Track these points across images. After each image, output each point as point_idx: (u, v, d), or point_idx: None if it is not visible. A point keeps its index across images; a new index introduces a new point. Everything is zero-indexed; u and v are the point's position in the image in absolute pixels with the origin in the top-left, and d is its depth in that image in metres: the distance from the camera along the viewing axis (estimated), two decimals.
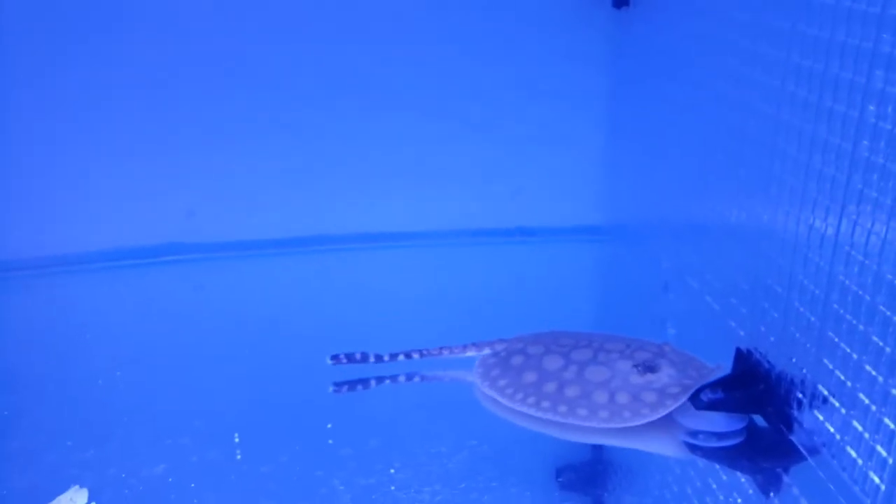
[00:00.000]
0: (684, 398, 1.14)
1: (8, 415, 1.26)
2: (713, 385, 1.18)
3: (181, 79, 1.69)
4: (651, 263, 1.70)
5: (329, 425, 1.21)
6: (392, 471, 1.10)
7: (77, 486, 1.05)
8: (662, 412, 1.13)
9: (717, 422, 1.16)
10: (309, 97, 1.75)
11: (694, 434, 1.15)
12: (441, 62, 1.77)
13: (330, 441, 1.18)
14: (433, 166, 1.84)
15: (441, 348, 1.35)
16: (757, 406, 1.16)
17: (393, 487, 1.07)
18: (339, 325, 1.54)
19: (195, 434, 1.19)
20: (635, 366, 1.20)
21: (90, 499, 1.04)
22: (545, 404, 1.17)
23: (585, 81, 1.82)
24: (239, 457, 1.15)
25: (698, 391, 1.15)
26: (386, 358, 1.34)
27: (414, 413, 1.26)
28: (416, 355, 1.34)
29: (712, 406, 1.16)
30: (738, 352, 1.22)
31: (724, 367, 1.22)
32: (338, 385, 1.31)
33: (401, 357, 1.34)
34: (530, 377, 1.23)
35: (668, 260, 1.62)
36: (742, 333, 1.25)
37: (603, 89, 1.83)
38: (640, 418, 1.13)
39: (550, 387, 1.20)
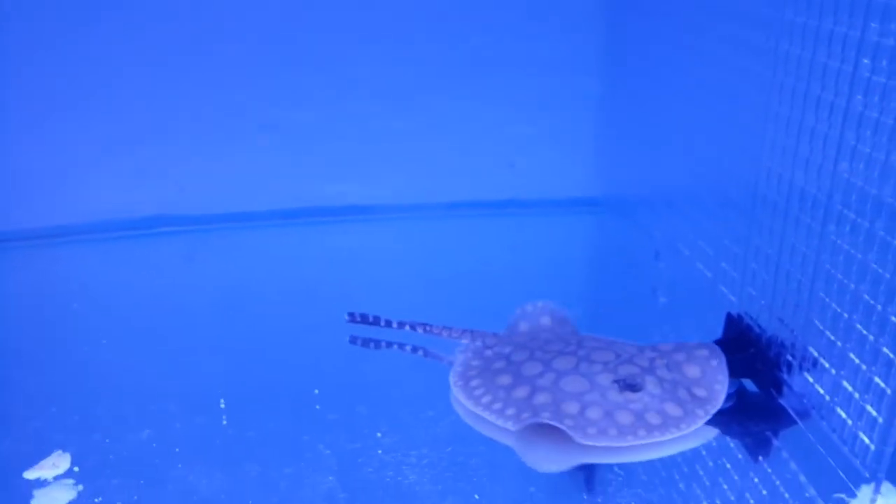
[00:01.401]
0: (661, 435, 1.00)
1: None
2: None
3: (173, 54, 1.65)
4: (643, 234, 1.68)
5: (316, 391, 1.19)
6: (379, 435, 1.08)
7: (60, 451, 1.03)
8: (630, 441, 1.00)
9: None
10: (301, 70, 1.71)
11: None
12: (433, 35, 1.73)
13: (317, 407, 1.16)
14: (427, 138, 1.81)
15: (443, 328, 1.29)
16: (747, 370, 1.14)
17: (380, 451, 1.05)
18: (330, 296, 1.51)
19: (181, 401, 1.17)
20: (616, 381, 1.07)
21: (74, 464, 1.02)
22: (510, 412, 1.06)
23: (578, 54, 1.78)
24: (225, 422, 1.13)
25: None
26: (394, 325, 1.31)
27: (402, 380, 1.24)
28: (420, 329, 1.30)
29: None
30: (729, 316, 1.20)
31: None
32: (353, 339, 1.33)
33: (406, 327, 1.31)
34: (504, 380, 1.13)
35: (660, 229, 1.59)
36: (733, 299, 1.23)
37: (596, 63, 1.79)
38: (604, 438, 1.00)
39: (521, 392, 1.10)
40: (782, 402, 1.07)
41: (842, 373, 0.94)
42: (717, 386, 1.07)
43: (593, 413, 1.03)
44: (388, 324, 1.31)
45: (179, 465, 1.04)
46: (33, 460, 1.02)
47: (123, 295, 1.54)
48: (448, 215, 1.88)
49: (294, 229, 1.82)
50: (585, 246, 1.87)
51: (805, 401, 1.02)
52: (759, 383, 1.13)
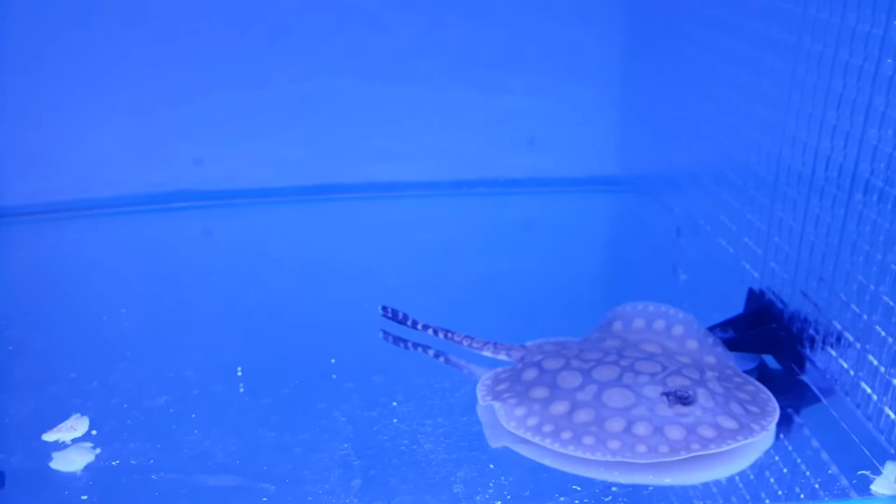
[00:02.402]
0: (717, 448, 0.89)
1: (13, 349, 1.22)
2: (724, 324, 1.11)
3: (189, 26, 1.63)
4: (664, 211, 1.63)
5: (333, 360, 1.16)
6: (394, 404, 1.05)
7: (78, 415, 1.01)
8: (683, 455, 0.88)
9: None
10: (321, 45, 1.68)
11: None
12: (455, 12, 1.69)
13: (333, 376, 1.13)
14: (447, 116, 1.77)
15: (465, 337, 1.16)
16: (768, 346, 1.09)
17: (395, 420, 1.02)
18: (348, 271, 1.49)
19: (199, 368, 1.15)
20: (665, 394, 0.95)
21: (92, 427, 1.00)
22: (548, 429, 0.94)
23: (600, 33, 1.74)
24: (241, 390, 1.10)
25: (709, 330, 1.09)
26: (419, 327, 1.20)
27: (418, 350, 1.21)
28: (441, 334, 1.18)
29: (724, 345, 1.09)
30: (751, 292, 1.15)
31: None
32: (386, 335, 1.24)
33: (430, 331, 1.19)
34: (540, 393, 1.00)
35: (681, 206, 1.54)
36: (755, 274, 1.18)
37: (618, 41, 1.74)
38: (655, 456, 0.89)
39: (560, 408, 0.97)
40: (804, 378, 1.03)
41: (867, 346, 0.89)
42: (769, 405, 0.96)
43: (641, 429, 0.92)
44: (415, 325, 1.21)
45: (196, 431, 1.01)
46: (52, 423, 1.00)
47: (141, 268, 1.52)
48: (468, 193, 1.84)
49: (312, 205, 1.79)
50: (606, 224, 1.82)
51: (828, 376, 0.98)
52: (781, 359, 1.08)
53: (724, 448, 0.88)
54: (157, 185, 1.75)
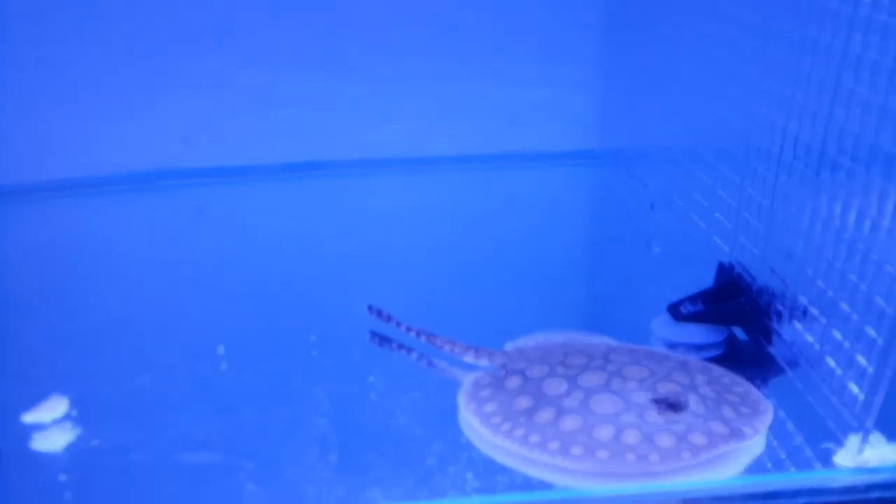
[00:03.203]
0: (707, 454, 0.83)
1: None
2: (693, 297, 1.10)
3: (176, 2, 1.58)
4: (639, 185, 1.61)
5: (313, 337, 1.14)
6: (371, 379, 1.04)
7: (57, 395, 0.99)
8: (674, 464, 0.83)
9: (696, 334, 1.08)
10: (309, 22, 1.64)
11: (672, 346, 1.07)
12: None
13: (313, 353, 1.11)
14: (426, 93, 1.73)
15: (447, 341, 1.08)
16: (737, 319, 1.08)
17: (372, 395, 1.01)
18: (332, 249, 1.46)
19: (181, 347, 1.13)
20: (655, 400, 0.90)
21: (72, 408, 0.97)
22: (534, 439, 0.87)
23: (578, 11, 1.70)
24: (223, 368, 1.08)
25: (678, 303, 1.07)
26: (403, 328, 1.13)
27: (395, 327, 1.19)
28: (423, 337, 1.10)
29: (692, 318, 1.08)
30: (721, 265, 1.13)
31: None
32: (373, 335, 1.15)
33: (412, 333, 1.12)
34: (523, 403, 0.93)
35: (656, 181, 1.52)
36: (726, 249, 1.17)
37: (595, 19, 1.71)
38: (645, 465, 0.83)
39: (545, 416, 0.90)
40: (771, 350, 1.02)
41: (832, 321, 0.88)
42: (762, 405, 0.91)
43: (630, 437, 0.86)
44: (399, 324, 1.14)
45: (177, 409, 0.99)
46: (33, 405, 0.98)
47: (125, 248, 1.49)
48: (446, 169, 1.81)
49: (299, 182, 1.76)
50: (583, 198, 1.80)
51: (794, 349, 0.96)
52: (749, 332, 1.07)
53: (715, 453, 0.83)
54: (143, 163, 1.70)
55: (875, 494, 0.81)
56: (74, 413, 0.97)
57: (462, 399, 0.97)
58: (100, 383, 1.04)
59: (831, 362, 0.88)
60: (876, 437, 0.82)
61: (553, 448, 0.85)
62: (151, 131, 1.67)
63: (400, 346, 1.12)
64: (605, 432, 0.86)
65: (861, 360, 0.82)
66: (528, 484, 0.85)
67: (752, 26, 1.04)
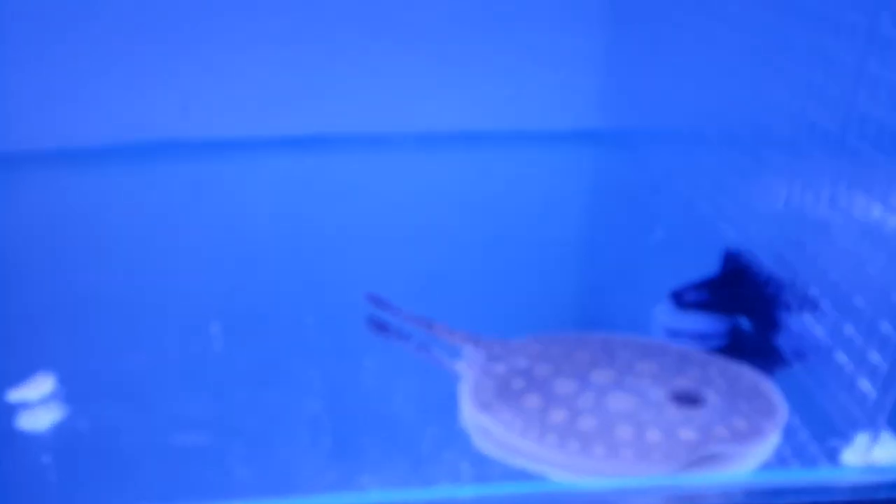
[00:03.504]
0: (733, 449, 0.80)
1: None
2: (699, 285, 1.06)
3: None
4: (644, 167, 1.57)
5: (309, 318, 1.10)
6: (367, 363, 1.00)
7: (43, 372, 0.95)
8: (702, 462, 0.79)
9: (699, 323, 1.04)
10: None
11: (675, 334, 1.03)
12: None
13: (309, 333, 1.08)
14: (429, 69, 1.69)
15: (446, 330, 1.02)
16: (743, 308, 1.04)
17: (367, 379, 0.97)
18: (330, 226, 1.42)
19: (175, 326, 1.09)
20: (675, 397, 0.85)
21: (60, 385, 0.94)
22: (551, 439, 0.83)
23: None
24: (216, 348, 1.05)
25: (682, 290, 1.03)
26: (402, 315, 1.07)
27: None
28: (423, 326, 1.04)
29: (697, 306, 1.04)
30: (727, 252, 1.09)
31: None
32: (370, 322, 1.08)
33: (412, 321, 1.06)
34: (533, 401, 0.88)
35: (661, 163, 1.48)
36: (733, 235, 1.13)
37: None
38: (671, 463, 0.78)
39: (559, 415, 0.86)
40: (778, 342, 0.98)
41: (844, 315, 0.84)
42: (775, 397, 0.87)
43: (653, 435, 0.81)
44: (398, 312, 1.08)
45: (167, 389, 0.96)
46: (20, 382, 0.94)
47: (121, 220, 1.44)
48: (449, 146, 1.76)
49: (296, 156, 1.71)
50: (586, 179, 1.75)
51: (802, 342, 0.93)
52: (755, 322, 1.03)
53: (740, 448, 0.79)
54: (139, 133, 1.66)
55: (883, 495, 0.77)
56: (62, 391, 0.93)
57: (467, 401, 0.90)
58: (89, 360, 1.00)
59: (842, 357, 0.84)
60: (886, 436, 0.79)
61: (573, 448, 0.80)
62: (151, 100, 1.62)
63: (398, 333, 1.07)
64: (625, 432, 0.81)
65: (874, 355, 0.79)
66: (524, 475, 0.82)
67: (765, 2, 0.99)
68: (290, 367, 1.00)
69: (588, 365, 0.92)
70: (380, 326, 1.07)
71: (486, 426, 0.86)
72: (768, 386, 0.89)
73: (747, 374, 0.91)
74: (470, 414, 0.88)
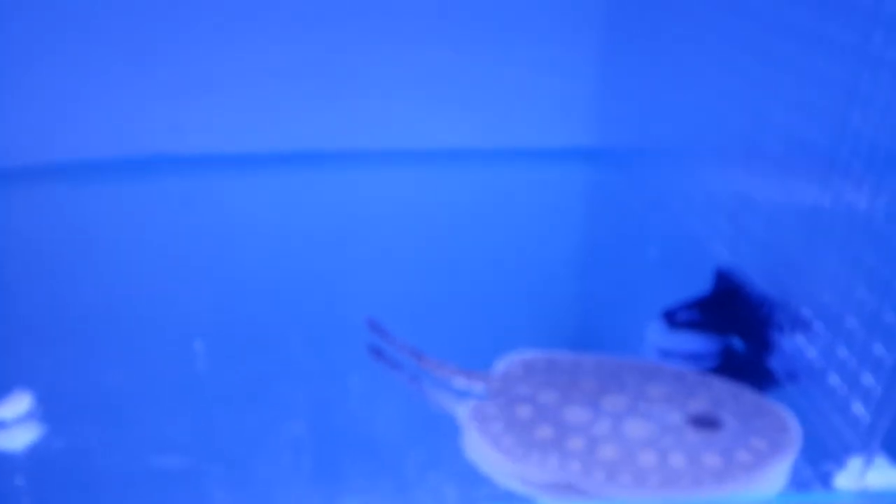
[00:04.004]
0: (759, 472, 0.78)
1: None
2: (690, 304, 1.04)
3: None
4: (637, 186, 1.55)
5: (295, 338, 1.08)
6: (351, 384, 0.98)
7: (20, 391, 0.92)
8: (731, 484, 0.77)
9: (692, 342, 1.01)
10: (302, 10, 1.57)
11: (667, 354, 1.01)
12: None
13: (292, 353, 1.05)
14: (422, 86, 1.66)
15: (437, 362, 0.97)
16: (735, 328, 1.02)
17: (351, 400, 0.95)
18: (320, 243, 1.39)
19: (159, 344, 1.07)
20: (692, 420, 0.83)
21: (40, 404, 0.91)
22: (575, 467, 0.79)
23: (579, 5, 1.63)
24: (200, 367, 1.02)
25: (674, 310, 1.01)
26: (395, 343, 1.02)
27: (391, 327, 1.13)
28: (414, 357, 0.99)
29: (688, 326, 1.02)
30: (719, 271, 1.07)
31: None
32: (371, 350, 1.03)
33: (405, 351, 1.00)
34: (545, 433, 0.84)
35: (655, 181, 1.46)
36: (725, 254, 1.10)
37: (595, 11, 1.64)
38: (699, 488, 0.76)
39: (577, 443, 0.82)
40: (771, 363, 0.95)
41: (837, 336, 0.82)
42: (785, 415, 0.86)
43: (676, 460, 0.79)
44: (392, 341, 1.03)
45: (147, 409, 0.93)
46: None
47: (109, 237, 1.42)
48: (438, 162, 1.73)
49: (288, 173, 1.68)
50: (578, 197, 1.73)
51: (795, 363, 0.90)
52: (748, 342, 1.01)
53: (765, 470, 0.78)
54: (129, 149, 1.64)
55: None
56: (41, 411, 0.91)
57: (471, 434, 0.86)
58: (69, 379, 0.98)
59: (835, 379, 0.82)
60: (881, 461, 0.76)
61: (599, 478, 0.78)
62: (140, 115, 1.60)
63: (392, 362, 1.01)
64: (648, 459, 0.79)
65: (867, 378, 0.76)
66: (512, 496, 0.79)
67: (760, 20, 0.97)
68: (274, 389, 0.97)
69: (597, 392, 0.89)
70: (377, 353, 1.03)
71: (497, 460, 0.82)
72: (775, 406, 0.87)
73: (747, 394, 0.89)
74: (477, 449, 0.84)
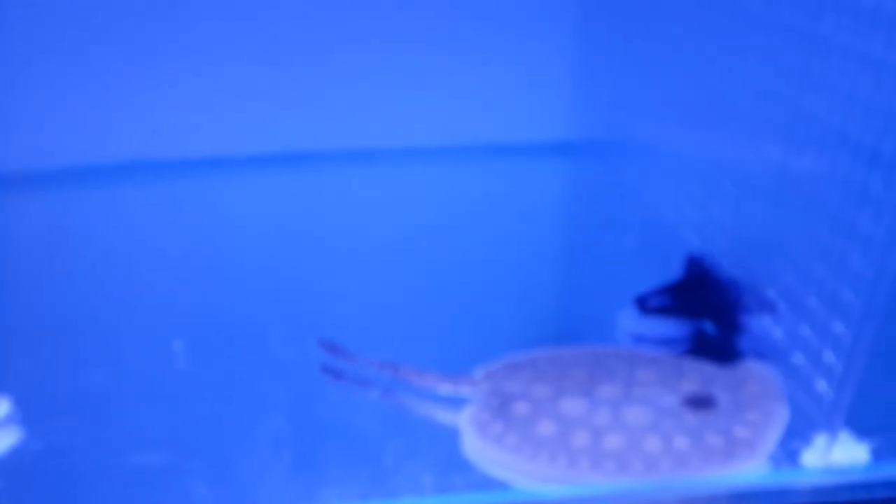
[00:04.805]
0: (762, 446, 0.80)
1: None
2: (661, 291, 1.05)
3: None
4: (612, 177, 1.56)
5: (275, 336, 1.08)
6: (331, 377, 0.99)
7: None
8: (737, 464, 0.78)
9: (663, 327, 1.03)
10: (279, 10, 1.57)
11: (640, 339, 1.02)
12: None
13: (273, 349, 1.06)
14: (398, 83, 1.67)
15: (414, 371, 0.96)
16: (705, 312, 1.03)
17: (331, 392, 0.96)
18: (300, 244, 1.39)
19: (138, 345, 1.07)
20: (689, 401, 0.84)
21: (16, 407, 0.92)
22: (584, 463, 0.80)
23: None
24: (179, 364, 1.03)
25: (645, 296, 1.03)
26: (361, 361, 0.99)
27: (361, 324, 1.13)
28: (389, 370, 0.97)
29: (660, 311, 1.03)
30: (689, 258, 1.09)
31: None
32: (326, 371, 0.99)
33: (376, 366, 0.97)
34: (547, 428, 0.84)
35: (630, 172, 1.47)
36: (696, 241, 1.12)
37: (572, 7, 1.64)
38: (709, 468, 0.78)
39: (581, 438, 0.83)
40: (740, 345, 0.97)
41: (800, 316, 0.83)
42: (771, 380, 0.88)
43: (681, 443, 0.80)
44: (354, 358, 0.99)
45: (128, 408, 0.94)
46: None
47: (87, 241, 1.41)
48: (416, 161, 1.74)
49: (268, 175, 1.68)
50: (554, 190, 1.74)
51: (763, 344, 0.92)
52: (718, 326, 1.02)
53: (767, 443, 0.80)
54: (110, 154, 1.64)
55: (844, 496, 0.77)
56: (19, 413, 0.91)
57: (472, 437, 0.85)
58: (48, 380, 0.98)
59: (799, 358, 0.84)
60: (845, 436, 0.78)
61: (610, 469, 0.78)
62: (119, 122, 1.61)
63: (358, 380, 0.97)
64: (653, 444, 0.80)
65: (829, 355, 0.78)
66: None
67: (728, 12, 0.99)
68: (253, 382, 0.98)
69: (588, 381, 0.89)
70: (335, 375, 0.98)
71: (505, 461, 0.82)
72: (757, 370, 0.89)
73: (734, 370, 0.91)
74: (480, 453, 0.84)
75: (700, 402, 0.84)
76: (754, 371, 0.89)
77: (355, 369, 0.98)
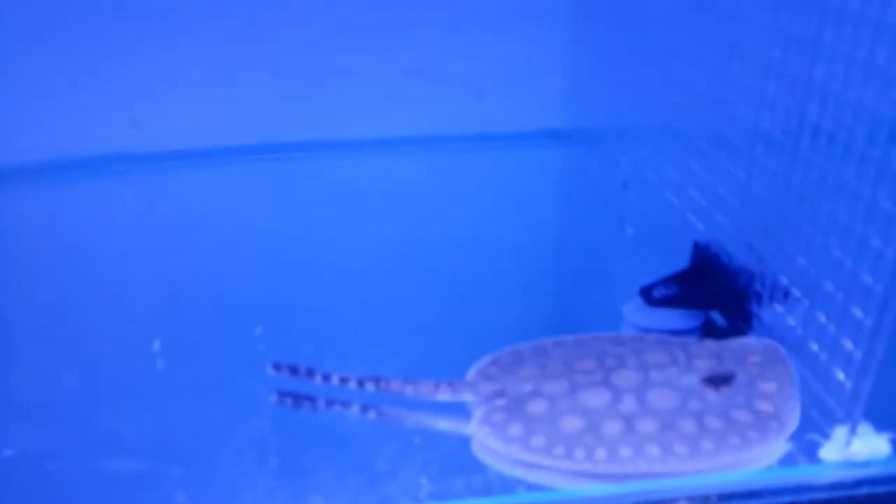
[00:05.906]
0: (787, 417, 0.78)
1: None
2: (667, 280, 1.01)
3: None
4: (612, 164, 1.53)
5: (258, 330, 1.05)
6: (320, 377, 0.95)
7: None
8: (773, 438, 0.77)
9: (671, 319, 0.99)
10: (265, 3, 1.54)
11: (646, 332, 0.98)
12: None
13: (258, 347, 1.02)
14: (393, 70, 1.63)
15: (405, 382, 0.89)
16: (714, 301, 0.99)
17: (320, 393, 0.92)
18: (285, 238, 1.36)
19: (115, 345, 1.04)
20: (707, 379, 0.83)
21: None
22: (626, 453, 0.77)
23: None
24: (159, 365, 0.99)
25: (651, 286, 0.99)
26: (334, 381, 0.90)
27: (349, 320, 1.10)
28: (370, 385, 0.89)
29: (666, 302, 0.99)
30: (695, 245, 1.05)
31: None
32: (282, 395, 0.91)
33: (352, 384, 0.89)
34: (573, 423, 0.81)
35: (628, 159, 1.44)
36: (701, 227, 1.08)
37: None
38: (749, 445, 0.76)
39: (613, 427, 0.80)
40: (752, 335, 0.93)
41: (815, 302, 0.80)
42: (778, 352, 0.87)
43: (713, 423, 0.78)
44: (326, 378, 0.90)
45: (105, 410, 0.90)
46: None
47: (66, 236, 1.38)
48: (409, 150, 1.70)
49: (253, 166, 1.64)
50: (554, 178, 1.71)
51: (775, 334, 0.88)
52: (727, 315, 0.99)
53: (793, 417, 0.78)
54: (90, 148, 1.60)
55: (864, 490, 0.73)
56: None
57: (487, 442, 0.81)
58: (19, 382, 0.95)
59: (815, 347, 0.80)
60: (864, 428, 0.74)
61: (653, 455, 0.76)
62: (99, 115, 1.56)
63: (326, 402, 0.90)
64: (688, 426, 0.78)
65: (847, 343, 0.74)
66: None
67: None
68: (236, 383, 0.94)
69: (602, 370, 0.86)
70: (296, 400, 0.91)
71: (539, 462, 0.78)
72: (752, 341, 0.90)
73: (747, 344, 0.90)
74: (510, 456, 0.80)
75: (720, 380, 0.82)
76: (750, 342, 0.89)
77: (328, 389, 0.90)
